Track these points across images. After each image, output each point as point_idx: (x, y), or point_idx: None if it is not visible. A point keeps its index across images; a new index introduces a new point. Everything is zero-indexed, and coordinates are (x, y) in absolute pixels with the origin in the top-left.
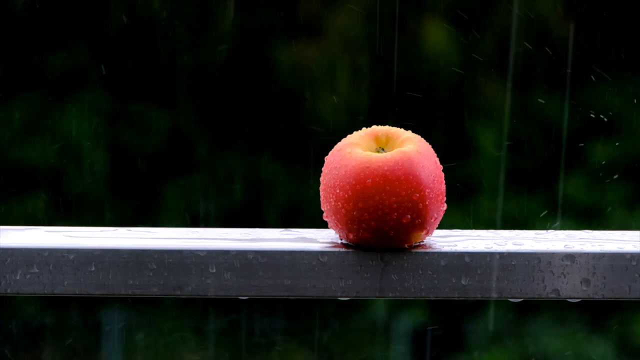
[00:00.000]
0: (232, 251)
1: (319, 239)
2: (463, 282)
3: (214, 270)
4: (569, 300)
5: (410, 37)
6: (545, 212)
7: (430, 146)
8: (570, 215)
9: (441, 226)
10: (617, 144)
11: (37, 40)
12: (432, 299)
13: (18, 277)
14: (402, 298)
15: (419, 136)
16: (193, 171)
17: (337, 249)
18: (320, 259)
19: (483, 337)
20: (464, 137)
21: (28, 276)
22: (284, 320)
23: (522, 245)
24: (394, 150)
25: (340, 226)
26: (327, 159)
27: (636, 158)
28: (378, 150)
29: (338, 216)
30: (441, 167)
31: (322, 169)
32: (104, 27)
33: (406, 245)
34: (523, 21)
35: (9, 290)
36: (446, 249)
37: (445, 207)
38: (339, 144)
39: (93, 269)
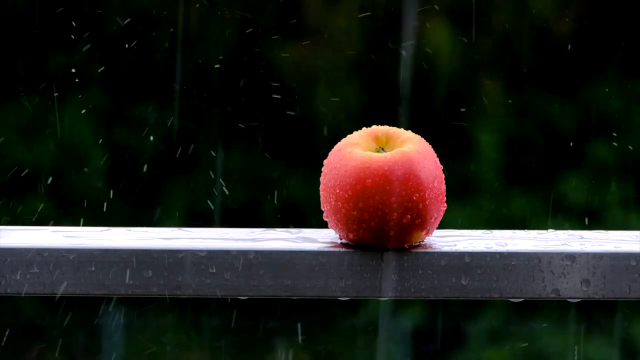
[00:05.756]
0: (232, 251)
1: (319, 239)
2: (463, 282)
3: (214, 270)
4: (569, 300)
5: (411, 36)
6: (545, 212)
7: (430, 146)
8: (570, 215)
9: (441, 226)
10: (617, 143)
11: (37, 40)
12: (432, 299)
13: (18, 277)
14: (402, 298)
15: (419, 136)
16: (193, 171)
17: (337, 249)
18: (320, 259)
19: (483, 337)
20: (464, 137)
21: (28, 276)
22: (283, 320)
23: (522, 245)
24: (394, 150)
25: (340, 226)
26: (327, 159)
27: (636, 158)
28: (378, 150)
29: (338, 216)
30: (441, 167)
31: (322, 169)
32: (104, 27)
33: (406, 245)
34: (523, 20)
35: (9, 290)
36: (446, 249)
37: (445, 207)
38: (339, 144)
39: (93, 269)
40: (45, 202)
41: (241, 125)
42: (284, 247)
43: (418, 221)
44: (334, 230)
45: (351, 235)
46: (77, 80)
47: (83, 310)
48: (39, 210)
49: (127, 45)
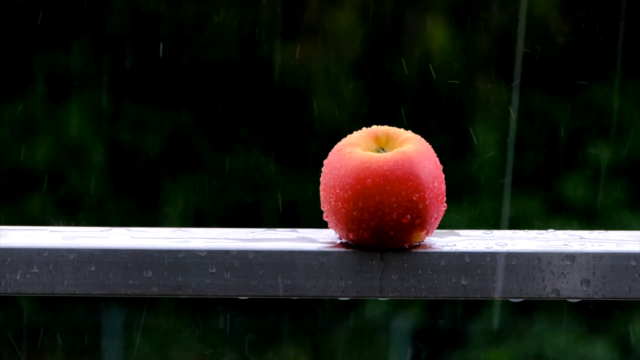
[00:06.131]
0: (232, 251)
1: (319, 239)
2: (463, 282)
3: (214, 270)
4: (569, 300)
5: (411, 36)
6: (545, 212)
7: (430, 146)
8: (570, 215)
9: (441, 226)
10: (617, 144)
11: (37, 40)
12: (432, 299)
13: (18, 277)
14: (402, 298)
15: (419, 136)
16: (193, 171)
17: (337, 249)
18: (320, 259)
19: (483, 337)
20: (464, 137)
21: (28, 276)
22: (283, 320)
23: (522, 245)
24: (394, 150)
25: (340, 226)
26: (327, 159)
27: (636, 158)
28: (378, 150)
29: (338, 216)
30: (441, 167)
31: (322, 169)
32: (104, 27)
33: (406, 245)
34: (523, 21)
35: (9, 290)
36: (446, 249)
37: (445, 207)
38: (339, 144)
39: (93, 269)
40: (45, 202)
41: (241, 125)
42: (284, 247)
43: (418, 221)
44: (334, 230)
45: (351, 235)
46: (77, 80)
47: (83, 310)
48: (39, 210)
49: (127, 45)
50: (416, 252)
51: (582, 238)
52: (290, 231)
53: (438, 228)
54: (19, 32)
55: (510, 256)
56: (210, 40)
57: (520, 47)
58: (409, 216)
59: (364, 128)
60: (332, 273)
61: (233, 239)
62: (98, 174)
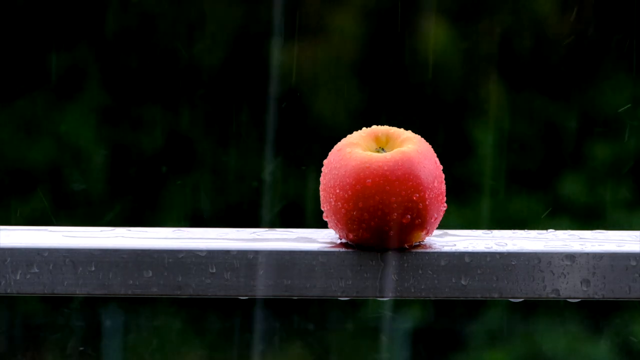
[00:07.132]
0: (232, 251)
1: (319, 239)
2: (463, 282)
3: (214, 270)
4: (569, 300)
5: (411, 36)
6: (545, 212)
7: (430, 146)
8: (570, 215)
9: (441, 226)
10: (617, 144)
11: (38, 40)
12: (432, 299)
13: (18, 277)
14: (402, 298)
15: (419, 136)
16: (193, 171)
17: (337, 249)
18: (320, 259)
19: (483, 337)
20: (464, 137)
21: (28, 276)
22: (283, 319)
23: (522, 245)
24: (394, 150)
25: (340, 226)
26: (327, 159)
27: (636, 158)
28: (378, 150)
29: (338, 216)
30: (441, 167)
31: (322, 169)
32: (104, 27)
33: (406, 245)
34: (523, 20)
35: (9, 290)
36: (446, 249)
37: (445, 207)
38: (338, 144)
39: (93, 269)
40: (45, 202)
41: (241, 125)
42: (284, 247)
43: (418, 221)
44: (334, 230)
45: (351, 235)
46: (77, 80)
47: (83, 310)
48: (39, 210)
49: (127, 45)
50: (416, 252)
51: (582, 238)
52: (290, 231)
53: (438, 228)
54: (20, 32)
55: (510, 256)
56: (210, 39)
57: (520, 47)
58: (409, 216)
59: (364, 128)
60: (332, 273)
61: (233, 239)
62: (98, 173)
